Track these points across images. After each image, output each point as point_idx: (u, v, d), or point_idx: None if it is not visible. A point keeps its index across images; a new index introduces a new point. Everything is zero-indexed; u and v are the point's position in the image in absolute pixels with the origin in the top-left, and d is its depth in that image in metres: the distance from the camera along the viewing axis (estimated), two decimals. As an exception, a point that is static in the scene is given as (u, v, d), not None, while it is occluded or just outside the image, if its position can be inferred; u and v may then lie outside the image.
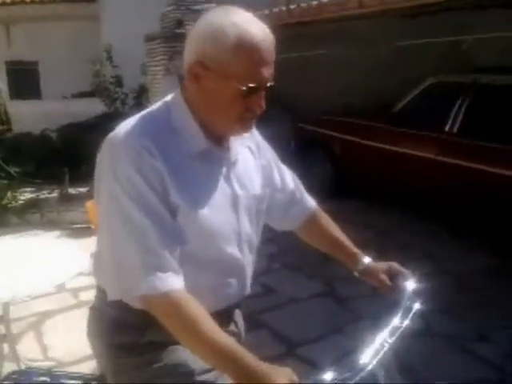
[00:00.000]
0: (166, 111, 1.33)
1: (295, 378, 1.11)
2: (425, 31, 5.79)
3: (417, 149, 4.98)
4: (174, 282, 1.20)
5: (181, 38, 6.57)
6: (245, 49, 1.20)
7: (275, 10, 6.24)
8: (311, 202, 1.69)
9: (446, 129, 4.77)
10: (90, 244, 5.50)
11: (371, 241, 3.34)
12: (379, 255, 1.67)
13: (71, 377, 1.67)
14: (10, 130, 7.60)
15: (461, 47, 5.37)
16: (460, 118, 4.68)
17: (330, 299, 3.88)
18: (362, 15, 5.15)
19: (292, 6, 5.93)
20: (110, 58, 8.33)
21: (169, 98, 1.35)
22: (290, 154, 6.81)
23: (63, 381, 1.62)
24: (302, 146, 6.53)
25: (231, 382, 1.17)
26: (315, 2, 5.63)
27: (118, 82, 8.42)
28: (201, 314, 1.18)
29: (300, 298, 3.88)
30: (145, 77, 7.88)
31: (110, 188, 1.23)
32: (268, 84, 1.26)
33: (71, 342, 3.41)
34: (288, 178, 1.65)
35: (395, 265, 1.54)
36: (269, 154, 1.59)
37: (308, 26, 5.89)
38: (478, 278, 4.01)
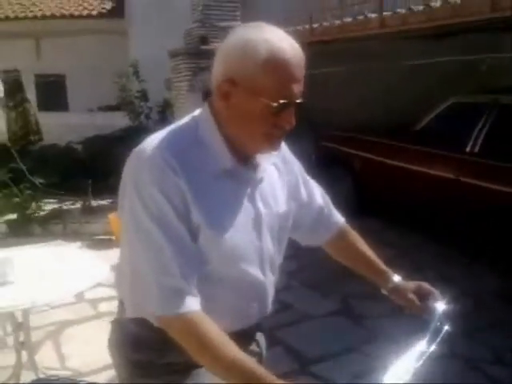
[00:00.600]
0: (193, 127, 1.31)
1: None
2: (447, 50, 5.79)
3: (437, 169, 4.96)
4: (189, 303, 1.18)
5: (205, 54, 6.68)
6: (276, 64, 1.18)
7: (299, 27, 6.31)
8: (339, 217, 1.66)
9: (467, 149, 4.75)
10: (110, 255, 5.61)
11: (389, 261, 3.34)
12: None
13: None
14: (41, 139, 7.76)
15: (481, 67, 5.36)
16: (481, 138, 4.66)
17: (344, 317, 3.88)
18: (383, 34, 5.18)
19: (315, 25, 6.00)
20: (136, 73, 8.47)
21: (197, 112, 1.34)
22: (311, 171, 6.82)
23: None
24: (323, 164, 6.55)
25: None
26: (338, 22, 5.69)
27: (144, 96, 8.56)
28: (218, 334, 1.17)
29: (316, 315, 3.89)
30: (169, 92, 8.00)
31: (132, 204, 1.22)
32: (298, 101, 1.24)
33: (88, 352, 3.46)
34: (316, 193, 1.61)
35: (425, 284, 1.52)
36: (296, 168, 1.55)
37: (330, 43, 5.94)
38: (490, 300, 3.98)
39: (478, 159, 4.62)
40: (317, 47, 6.00)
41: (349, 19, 5.63)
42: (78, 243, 5.62)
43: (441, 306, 1.42)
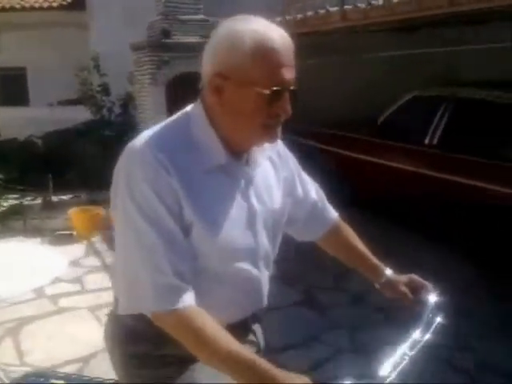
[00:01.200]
0: (185, 122, 1.29)
1: None
2: (410, 43, 5.89)
3: (398, 161, 5.05)
4: (183, 299, 1.18)
5: (168, 47, 6.62)
6: (265, 52, 1.17)
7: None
8: (333, 213, 1.67)
9: (426, 142, 4.84)
10: (70, 251, 5.53)
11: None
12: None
13: (86, 381, 1.70)
14: (-1, 135, 7.60)
15: (445, 60, 5.48)
16: (439, 131, 4.76)
17: (308, 307, 3.93)
18: (344, 28, 5.24)
19: (278, 19, 6.01)
20: (97, 66, 8.32)
21: (189, 108, 1.33)
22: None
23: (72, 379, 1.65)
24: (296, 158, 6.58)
25: None
26: (300, 16, 5.72)
27: (105, 90, 8.41)
28: (213, 328, 1.17)
29: (281, 305, 3.92)
30: (132, 85, 7.89)
31: (124, 203, 1.21)
32: (291, 87, 1.22)
33: (50, 347, 3.43)
34: (311, 189, 1.61)
35: (416, 277, 1.55)
36: (291, 163, 1.54)
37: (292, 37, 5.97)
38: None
39: (437, 151, 4.72)
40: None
41: (310, 13, 5.66)
42: (39, 239, 5.53)
43: (433, 297, 1.46)
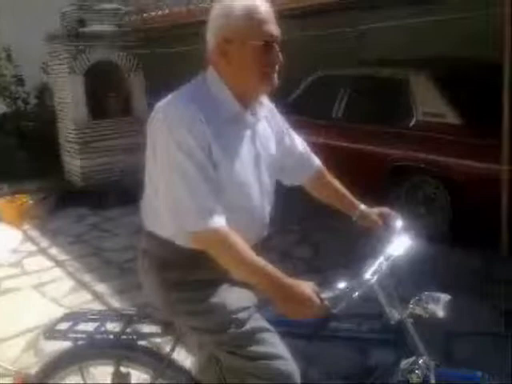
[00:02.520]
0: (203, 84, 1.62)
1: (316, 288, 1.43)
2: (312, 27, 6.38)
3: (310, 134, 5.57)
4: (220, 221, 1.47)
5: (84, 36, 6.75)
6: (252, 14, 1.52)
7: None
8: (317, 161, 1.99)
9: (333, 115, 5.41)
10: (5, 239, 5.66)
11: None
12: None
13: (119, 314, 1.94)
14: None
15: (346, 42, 6.04)
16: (343, 104, 5.35)
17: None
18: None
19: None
20: (9, 57, 8.27)
21: (202, 74, 1.65)
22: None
23: (111, 318, 1.89)
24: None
25: (266, 312, 1.55)
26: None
27: (19, 81, 8.39)
28: (244, 245, 1.46)
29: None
30: (47, 76, 7.92)
31: (166, 146, 1.50)
32: (279, 40, 1.57)
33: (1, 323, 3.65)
34: (297, 142, 1.94)
35: (385, 209, 1.90)
36: (280, 121, 1.88)
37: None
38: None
39: (342, 123, 5.31)
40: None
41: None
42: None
43: (399, 223, 1.83)
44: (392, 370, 1.65)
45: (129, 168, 6.99)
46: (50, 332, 1.85)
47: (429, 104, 4.65)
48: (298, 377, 1.59)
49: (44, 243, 5.31)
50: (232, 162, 1.57)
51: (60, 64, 6.94)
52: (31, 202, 6.10)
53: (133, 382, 1.86)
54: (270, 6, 1.59)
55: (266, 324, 1.63)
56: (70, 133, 6.97)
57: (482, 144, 4.08)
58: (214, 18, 1.58)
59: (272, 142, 1.77)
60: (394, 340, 1.65)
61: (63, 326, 1.87)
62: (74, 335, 1.83)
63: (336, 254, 4.39)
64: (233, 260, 1.47)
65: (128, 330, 1.81)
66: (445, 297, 1.63)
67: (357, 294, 1.46)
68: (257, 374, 1.56)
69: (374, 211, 1.90)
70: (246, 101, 1.64)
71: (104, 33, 6.86)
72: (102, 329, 1.82)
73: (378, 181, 4.86)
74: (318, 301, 1.40)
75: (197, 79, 1.66)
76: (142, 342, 1.86)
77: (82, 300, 3.98)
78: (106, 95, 7.06)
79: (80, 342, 1.84)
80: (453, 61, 5.05)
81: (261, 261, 1.46)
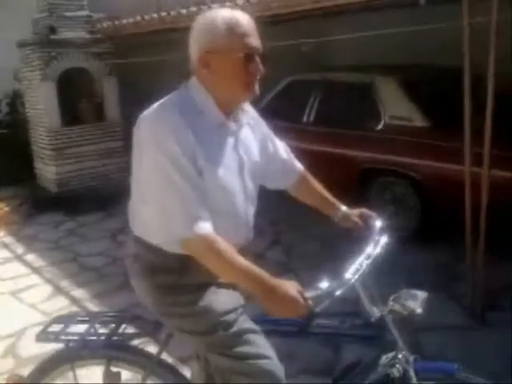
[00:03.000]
0: (186, 93, 1.67)
1: (299, 287, 1.48)
2: (282, 36, 6.52)
3: (281, 138, 5.70)
4: (208, 227, 1.53)
5: (55, 44, 6.76)
6: (233, 27, 1.58)
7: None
8: (299, 166, 2.05)
9: (304, 120, 5.55)
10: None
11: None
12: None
13: (109, 315, 1.99)
14: None
15: (308, 50, 6.18)
16: (314, 109, 5.49)
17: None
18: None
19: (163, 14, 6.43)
20: (-21, 65, 8.20)
21: (186, 84, 1.70)
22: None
23: (101, 319, 1.95)
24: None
25: (249, 317, 1.62)
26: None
27: (-10, 88, 8.33)
28: (231, 249, 1.52)
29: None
30: (19, 83, 7.88)
31: (153, 156, 1.55)
32: (259, 51, 1.63)
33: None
34: (280, 148, 2.00)
35: (365, 210, 1.96)
36: (263, 128, 1.93)
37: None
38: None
39: (313, 128, 5.45)
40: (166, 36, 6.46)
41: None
42: None
43: (379, 223, 1.88)
44: (373, 365, 1.72)
45: (102, 174, 7.05)
46: (43, 334, 1.91)
47: (396, 108, 4.82)
48: (283, 375, 1.67)
49: (20, 249, 5.33)
50: (216, 168, 1.63)
51: (32, 71, 6.94)
52: (7, 208, 6.10)
53: (123, 381, 1.92)
54: (251, 19, 1.66)
55: (252, 325, 1.70)
56: (43, 139, 6.97)
57: (447, 146, 4.24)
58: (197, 31, 1.65)
59: (255, 149, 1.83)
60: (374, 336, 1.73)
61: (55, 328, 1.93)
62: (66, 337, 1.89)
63: (308, 256, 4.52)
64: (220, 264, 1.53)
65: (118, 331, 1.88)
66: (422, 294, 1.69)
67: (339, 292, 1.52)
68: (244, 373, 1.63)
69: (355, 212, 1.96)
70: (229, 109, 1.71)
71: (75, 40, 6.88)
72: (93, 330, 1.89)
73: (349, 183, 5.00)
74: (301, 300, 1.46)
75: (180, 88, 1.71)
76: (132, 343, 1.93)
77: (60, 305, 4.02)
78: (79, 101, 7.08)
79: (71, 344, 1.90)
80: (416, 66, 5.24)
81: (247, 264, 1.52)
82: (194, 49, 1.65)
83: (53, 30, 6.84)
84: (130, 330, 1.92)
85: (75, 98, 7.03)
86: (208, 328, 1.66)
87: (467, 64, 3.19)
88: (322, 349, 2.99)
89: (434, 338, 3.16)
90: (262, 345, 1.67)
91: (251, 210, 1.80)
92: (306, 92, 5.62)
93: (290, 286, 1.48)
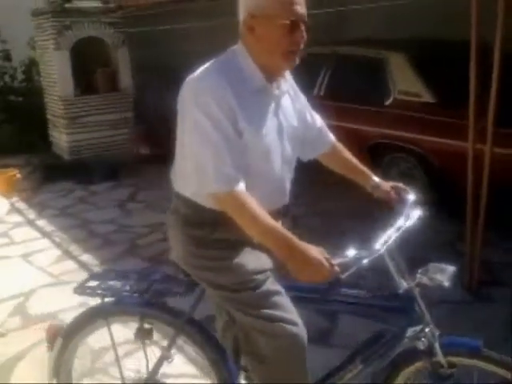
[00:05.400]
0: (232, 57, 1.69)
1: (326, 253, 1.51)
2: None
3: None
4: (238, 184, 1.56)
5: (70, 12, 6.79)
6: None
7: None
8: (332, 136, 2.08)
9: (315, 93, 5.54)
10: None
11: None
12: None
13: (143, 273, 2.08)
14: None
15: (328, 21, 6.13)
16: (325, 83, 5.48)
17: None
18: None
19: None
20: (-5, 33, 8.27)
21: (231, 48, 1.72)
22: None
23: (136, 277, 2.02)
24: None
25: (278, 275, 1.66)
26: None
27: (6, 56, 8.41)
28: (259, 208, 1.55)
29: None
30: (34, 51, 7.95)
31: (194, 114, 1.59)
32: (305, 19, 1.62)
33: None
34: (316, 118, 2.03)
35: (398, 183, 1.99)
36: (302, 99, 1.96)
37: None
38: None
39: (323, 101, 5.43)
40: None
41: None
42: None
43: (412, 196, 1.90)
44: (398, 338, 1.75)
45: (114, 143, 7.12)
46: (81, 288, 2.01)
47: (405, 83, 4.79)
48: (305, 340, 1.71)
49: (31, 215, 5.45)
50: (256, 130, 1.65)
51: (46, 40, 6.98)
52: (19, 175, 6.22)
53: (155, 338, 1.99)
54: None
55: (279, 288, 1.73)
56: (57, 108, 7.04)
57: (453, 122, 4.23)
58: None
59: (294, 116, 1.84)
60: (401, 308, 1.75)
61: (92, 283, 2.03)
62: (102, 292, 1.98)
63: (312, 229, 4.57)
64: (248, 221, 1.57)
65: (151, 289, 1.94)
66: (451, 268, 1.70)
67: (366, 261, 1.54)
68: (269, 334, 1.68)
69: (388, 184, 1.99)
70: (271, 75, 1.72)
71: (89, 9, 6.90)
72: (128, 287, 1.96)
73: (357, 158, 5.00)
74: (327, 265, 1.48)
75: (227, 52, 1.74)
76: (164, 300, 1.98)
77: (68, 268, 4.14)
78: (93, 71, 7.11)
79: (107, 299, 1.98)
80: (428, 41, 5.18)
81: (275, 223, 1.55)
82: (241, 12, 1.65)
83: (68, -2, 6.86)
84: (164, 288, 1.97)
85: (89, 67, 7.06)
86: (236, 284, 1.70)
87: (474, 37, 3.15)
88: (317, 318, 3.04)
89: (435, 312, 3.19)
90: (288, 308, 1.71)
91: (289, 175, 1.83)
92: (317, 66, 5.59)
93: (317, 251, 1.51)
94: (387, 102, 4.87)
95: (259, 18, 1.60)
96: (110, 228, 5.00)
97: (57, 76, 6.86)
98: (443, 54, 4.82)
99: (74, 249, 4.55)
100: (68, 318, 3.26)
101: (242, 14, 1.65)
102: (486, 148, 3.26)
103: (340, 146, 2.10)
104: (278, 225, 1.57)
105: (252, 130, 1.63)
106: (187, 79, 1.67)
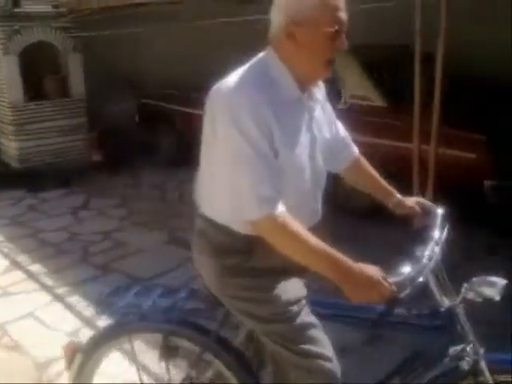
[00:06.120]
0: (262, 66, 1.55)
1: (382, 273, 1.41)
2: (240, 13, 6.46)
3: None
4: (280, 207, 1.44)
5: (19, 17, 6.62)
6: (326, 0, 1.47)
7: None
8: (355, 148, 1.94)
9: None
10: None
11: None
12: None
13: (168, 289, 1.94)
14: None
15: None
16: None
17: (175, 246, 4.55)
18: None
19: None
20: None
21: (261, 56, 1.58)
22: (135, 128, 7.27)
23: (162, 292, 1.89)
24: (146, 120, 7.06)
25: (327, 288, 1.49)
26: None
27: (-48, 61, 8.13)
28: (304, 230, 1.44)
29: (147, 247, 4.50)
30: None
31: (227, 130, 1.45)
32: (346, 26, 1.52)
33: None
34: (340, 128, 1.90)
35: (421, 199, 1.91)
36: (329, 107, 1.83)
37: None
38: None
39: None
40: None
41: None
42: None
43: (440, 211, 1.79)
44: (439, 357, 1.65)
45: (65, 150, 6.98)
46: (103, 303, 1.92)
47: (356, 88, 4.87)
48: (339, 375, 1.64)
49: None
50: (291, 146, 1.53)
51: (-6, 44, 6.78)
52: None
53: (180, 356, 1.90)
54: None
55: (314, 319, 1.64)
56: (5, 114, 6.86)
57: (401, 125, 4.33)
58: None
59: (326, 126, 1.75)
60: (442, 326, 1.65)
61: (113, 299, 1.91)
62: (125, 308, 1.87)
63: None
64: (293, 245, 1.46)
65: (177, 306, 1.84)
66: (500, 280, 1.57)
67: (421, 278, 1.45)
68: (304, 369, 1.60)
69: (412, 200, 1.90)
70: (305, 84, 1.61)
71: (39, 13, 6.75)
72: (151, 303, 1.85)
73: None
74: (387, 285, 1.39)
75: (257, 60, 1.60)
76: (189, 318, 1.89)
77: (15, 279, 3.99)
78: (43, 76, 6.96)
79: (130, 315, 1.89)
80: (377, 47, 5.28)
81: (323, 244, 1.44)
82: (278, 18, 1.53)
83: (16, 3, 6.70)
84: (189, 305, 1.88)
85: (39, 73, 6.91)
86: (269, 316, 1.61)
87: (418, 42, 3.24)
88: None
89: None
90: (323, 343, 1.63)
91: (320, 190, 1.72)
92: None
93: (373, 270, 1.42)
94: (339, 106, 4.92)
95: (302, 25, 1.49)
96: (62, 236, 4.88)
97: (5, 81, 6.69)
98: (391, 59, 4.94)
99: (24, 259, 4.41)
100: (14, 329, 3.24)
101: (279, 21, 1.52)
102: (429, 148, 3.34)
103: (363, 160, 1.96)
104: (326, 246, 1.45)
105: (286, 146, 1.52)
106: (217, 88, 1.53)
